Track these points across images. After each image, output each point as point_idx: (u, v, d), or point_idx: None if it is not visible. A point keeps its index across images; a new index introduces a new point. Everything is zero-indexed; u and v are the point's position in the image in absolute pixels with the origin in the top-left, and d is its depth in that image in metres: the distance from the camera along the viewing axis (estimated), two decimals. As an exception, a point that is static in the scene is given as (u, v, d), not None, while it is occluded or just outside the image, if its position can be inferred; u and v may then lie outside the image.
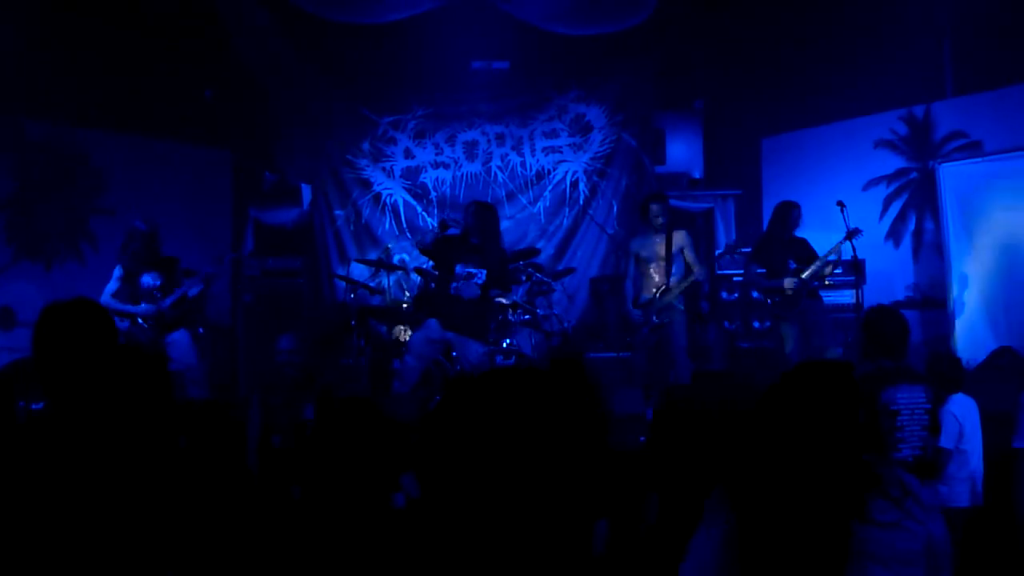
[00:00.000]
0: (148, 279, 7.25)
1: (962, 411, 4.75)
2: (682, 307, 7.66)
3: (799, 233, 7.83)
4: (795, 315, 7.63)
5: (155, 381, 2.34)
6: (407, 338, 7.64)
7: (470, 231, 6.87)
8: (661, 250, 7.53)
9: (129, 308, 7.16)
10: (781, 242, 7.75)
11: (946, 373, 4.86)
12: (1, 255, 8.42)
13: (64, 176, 8.80)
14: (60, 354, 2.30)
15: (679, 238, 7.64)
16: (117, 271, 7.27)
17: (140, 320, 7.17)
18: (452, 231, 6.94)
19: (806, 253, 7.70)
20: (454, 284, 6.78)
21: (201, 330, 7.99)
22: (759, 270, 7.81)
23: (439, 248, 7.02)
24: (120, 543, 2.16)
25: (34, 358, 2.33)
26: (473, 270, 6.79)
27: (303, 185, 10.03)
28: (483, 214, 6.97)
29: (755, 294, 9.23)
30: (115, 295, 7.22)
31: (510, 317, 8.02)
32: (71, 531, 2.10)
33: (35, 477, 2.15)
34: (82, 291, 8.22)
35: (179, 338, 7.22)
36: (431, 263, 7.47)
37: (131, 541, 2.17)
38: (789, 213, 7.76)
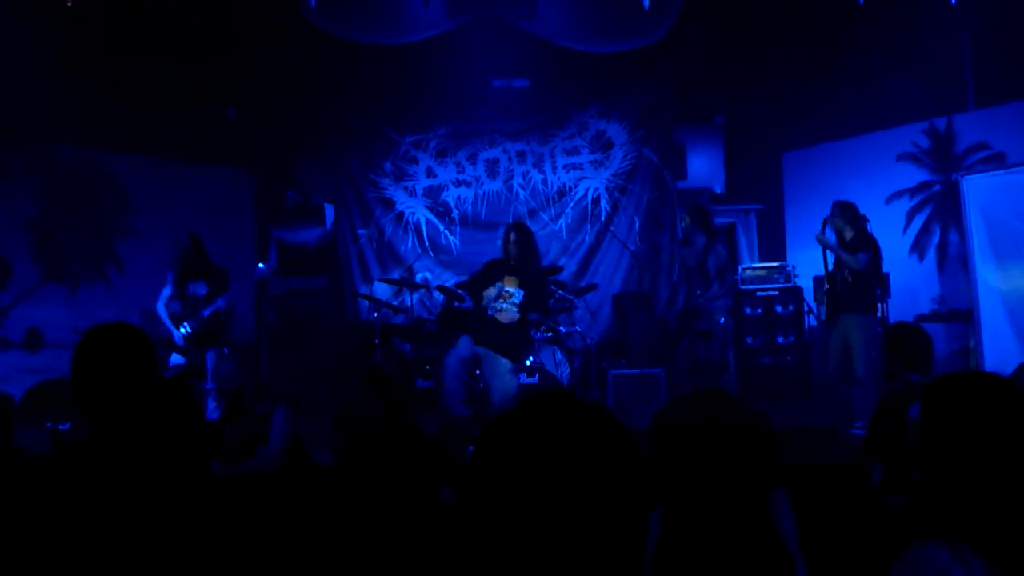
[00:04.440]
0: (194, 288, 7.32)
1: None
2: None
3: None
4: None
5: (187, 409, 2.36)
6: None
7: (510, 254, 6.87)
8: None
9: (172, 329, 7.24)
10: None
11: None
12: (28, 277, 8.50)
13: (90, 198, 8.90)
14: (101, 380, 2.30)
15: None
16: (169, 277, 7.33)
17: (179, 340, 7.24)
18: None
19: None
20: (492, 307, 6.73)
21: (226, 350, 8.04)
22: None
23: (481, 274, 7.01)
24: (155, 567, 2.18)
25: (73, 382, 2.33)
26: (511, 289, 6.76)
27: (326, 204, 10.06)
28: (523, 237, 6.95)
29: (778, 308, 9.19)
30: (168, 302, 7.30)
31: (533, 334, 8.02)
32: (109, 553, 2.13)
33: (74, 503, 2.17)
34: (109, 312, 8.42)
35: (208, 358, 7.29)
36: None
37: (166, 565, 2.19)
38: None
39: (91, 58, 8.07)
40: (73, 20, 7.49)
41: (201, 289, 7.31)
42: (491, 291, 6.74)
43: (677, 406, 4.34)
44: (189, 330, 7.22)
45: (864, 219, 7.58)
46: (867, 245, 7.36)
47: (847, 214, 7.44)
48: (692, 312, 8.02)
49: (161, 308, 7.26)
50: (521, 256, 6.86)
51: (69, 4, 4.82)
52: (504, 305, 6.71)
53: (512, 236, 6.89)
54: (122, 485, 2.18)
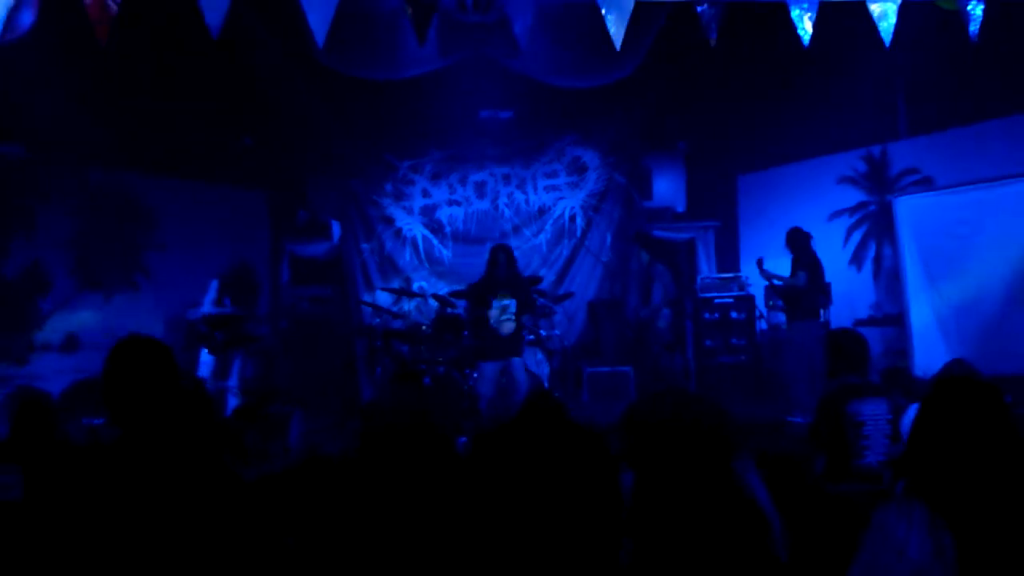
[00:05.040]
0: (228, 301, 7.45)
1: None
2: None
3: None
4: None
5: (204, 412, 2.37)
6: None
7: (498, 270, 6.99)
8: None
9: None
10: None
11: (904, 386, 4.86)
12: (66, 287, 8.44)
13: (121, 217, 8.84)
14: (126, 389, 2.30)
15: None
16: (214, 284, 7.60)
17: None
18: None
19: None
20: (498, 324, 6.89)
21: (245, 353, 8.03)
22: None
23: (474, 289, 7.15)
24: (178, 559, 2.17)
25: (103, 391, 2.33)
26: (506, 302, 6.89)
27: (333, 221, 10.06)
28: (509, 256, 7.12)
29: (733, 314, 9.26)
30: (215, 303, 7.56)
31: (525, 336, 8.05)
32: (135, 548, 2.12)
33: (110, 492, 2.17)
34: (138, 318, 8.40)
35: (234, 360, 7.33)
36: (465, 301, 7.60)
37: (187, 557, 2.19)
38: None
39: (122, 93, 8.04)
40: (105, 59, 7.48)
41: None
42: (494, 312, 6.88)
43: (646, 401, 4.36)
44: (221, 337, 7.26)
45: (808, 236, 7.67)
46: (804, 265, 7.54)
47: (789, 240, 7.72)
48: (642, 323, 8.10)
49: (200, 312, 7.37)
50: (509, 271, 7.00)
51: (103, 46, 4.77)
52: (505, 318, 6.88)
53: (500, 256, 7.01)
54: (149, 478, 2.18)
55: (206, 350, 7.39)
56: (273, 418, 4.84)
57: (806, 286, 7.48)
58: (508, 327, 6.90)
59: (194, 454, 2.28)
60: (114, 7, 4.67)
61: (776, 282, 7.81)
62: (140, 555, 2.12)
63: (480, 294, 7.03)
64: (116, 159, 8.54)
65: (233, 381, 7.23)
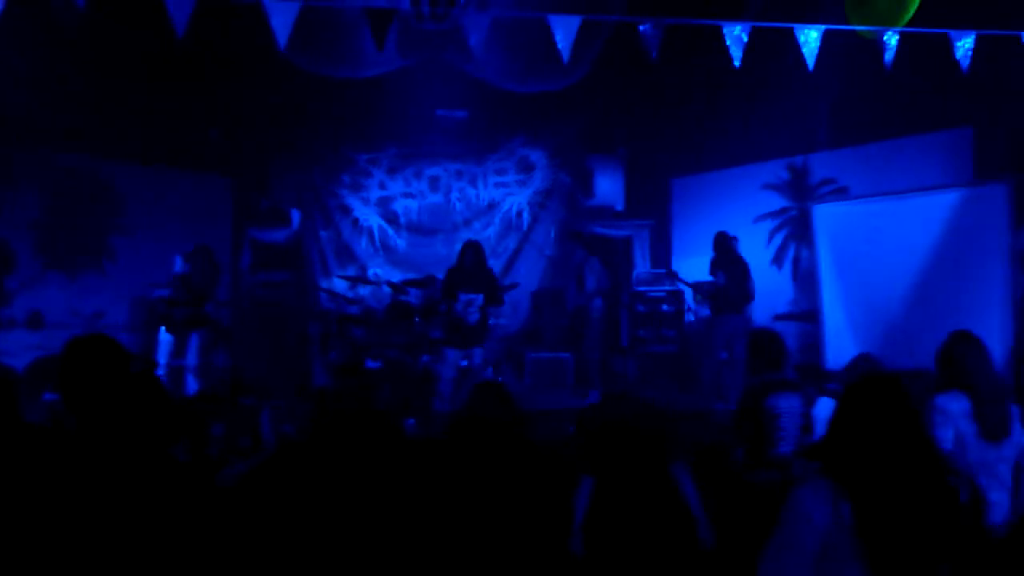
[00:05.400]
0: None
1: (826, 412, 4.83)
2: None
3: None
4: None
5: (156, 398, 2.32)
6: None
7: (466, 264, 6.99)
8: None
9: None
10: None
11: (815, 381, 4.94)
12: (32, 267, 8.16)
13: (88, 200, 8.57)
14: (81, 381, 2.24)
15: None
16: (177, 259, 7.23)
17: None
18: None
19: None
20: (458, 310, 6.90)
21: (203, 333, 7.82)
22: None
23: (445, 281, 7.12)
24: (137, 540, 2.12)
25: (59, 382, 2.27)
26: (472, 296, 6.90)
27: (293, 210, 9.87)
28: (477, 251, 7.12)
29: (664, 307, 9.33)
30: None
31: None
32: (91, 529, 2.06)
33: (66, 473, 2.12)
34: (103, 297, 8.15)
35: (195, 339, 7.12)
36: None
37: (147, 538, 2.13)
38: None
39: (89, 79, 7.76)
40: (72, 45, 7.24)
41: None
42: (460, 304, 6.90)
43: (598, 406, 4.40)
44: (179, 316, 7.03)
45: (732, 239, 7.75)
46: (722, 265, 7.75)
47: (714, 243, 7.91)
48: (577, 311, 8.17)
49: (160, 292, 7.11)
50: (477, 267, 7.02)
51: (82, 8, 4.57)
52: (472, 310, 6.90)
53: (468, 252, 7.03)
54: (103, 460, 2.17)
55: (164, 329, 7.16)
56: (243, 410, 4.65)
57: (725, 284, 7.64)
58: (473, 318, 6.89)
59: (136, 439, 2.23)
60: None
61: (701, 282, 7.97)
62: (86, 532, 2.09)
63: (448, 287, 7.01)
64: (84, 145, 8.29)
65: (191, 360, 7.03)
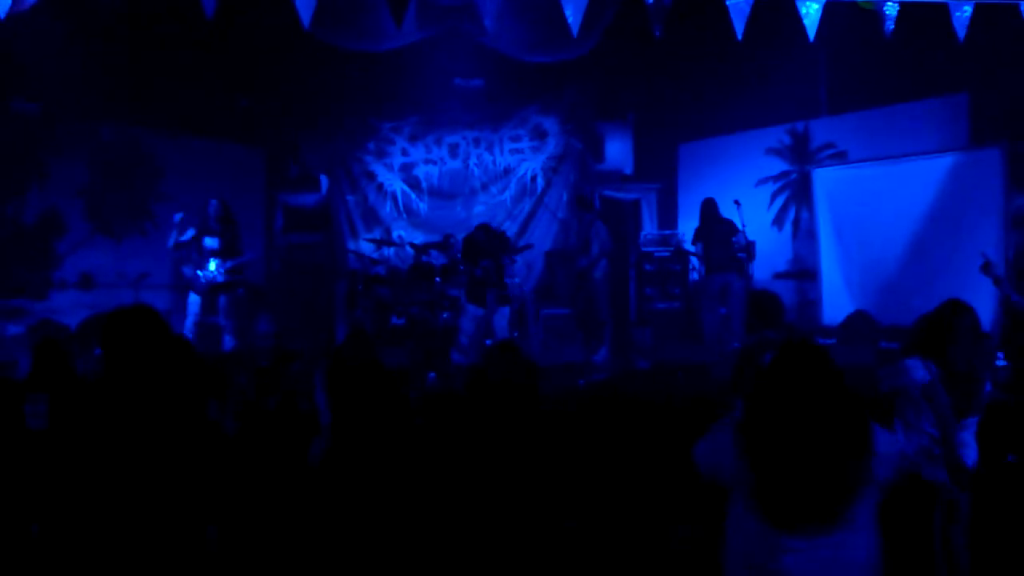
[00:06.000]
0: (209, 241, 7.11)
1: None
2: None
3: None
4: None
5: (190, 364, 2.36)
6: None
7: (479, 240, 7.27)
8: None
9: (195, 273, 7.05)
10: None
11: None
12: (81, 231, 8.23)
13: (131, 169, 8.60)
14: (123, 350, 2.28)
15: None
16: (191, 231, 7.10)
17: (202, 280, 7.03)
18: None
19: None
20: (479, 274, 7.14)
21: (241, 291, 7.87)
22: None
23: (469, 248, 7.32)
24: (166, 492, 2.18)
25: (102, 352, 2.30)
26: (487, 263, 7.14)
27: (321, 175, 9.88)
28: (486, 230, 7.50)
29: (670, 266, 9.28)
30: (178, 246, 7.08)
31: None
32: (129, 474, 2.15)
33: (104, 426, 2.24)
34: (146, 259, 8.23)
35: (223, 300, 7.13)
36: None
37: (176, 489, 2.19)
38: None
39: (130, 55, 7.74)
40: (114, 24, 7.21)
41: (216, 243, 7.11)
42: (479, 270, 7.15)
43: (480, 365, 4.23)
44: (212, 278, 7.03)
45: (736, 203, 7.64)
46: (706, 231, 7.89)
47: (701, 210, 8.04)
48: (582, 271, 8.13)
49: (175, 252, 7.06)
50: (489, 242, 7.26)
51: (114, 14, 4.55)
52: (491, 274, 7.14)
53: (480, 232, 7.41)
54: (133, 412, 2.29)
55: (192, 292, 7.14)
56: (296, 376, 4.32)
57: (702, 253, 7.90)
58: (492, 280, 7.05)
59: (170, 397, 2.33)
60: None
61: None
62: (129, 475, 2.23)
63: (470, 253, 7.21)
64: (126, 117, 8.29)
65: (222, 319, 7.05)
